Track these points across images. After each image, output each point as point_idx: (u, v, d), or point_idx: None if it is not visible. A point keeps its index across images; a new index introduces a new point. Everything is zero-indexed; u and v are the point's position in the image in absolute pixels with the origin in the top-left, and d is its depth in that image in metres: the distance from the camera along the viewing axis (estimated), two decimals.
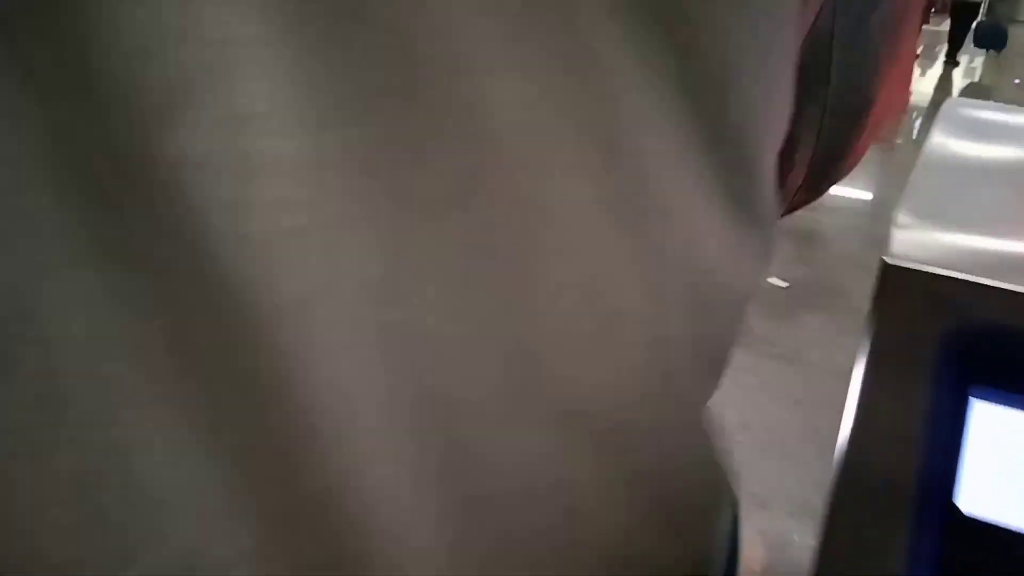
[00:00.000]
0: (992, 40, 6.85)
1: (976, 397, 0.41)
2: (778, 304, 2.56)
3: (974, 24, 7.19)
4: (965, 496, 0.37)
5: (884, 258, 0.48)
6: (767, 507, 1.68)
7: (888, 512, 0.38)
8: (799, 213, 0.52)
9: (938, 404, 0.41)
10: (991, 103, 0.70)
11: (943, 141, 0.60)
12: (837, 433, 0.42)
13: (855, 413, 0.41)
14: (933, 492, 0.38)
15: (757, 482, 1.73)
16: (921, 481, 0.38)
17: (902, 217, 0.50)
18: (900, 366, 0.43)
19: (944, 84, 6.86)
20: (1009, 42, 6.87)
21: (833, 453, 0.42)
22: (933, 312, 0.46)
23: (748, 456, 1.79)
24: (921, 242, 0.49)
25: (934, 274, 0.49)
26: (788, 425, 1.94)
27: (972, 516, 0.37)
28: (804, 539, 1.59)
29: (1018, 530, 0.37)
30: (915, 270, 0.48)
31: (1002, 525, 0.37)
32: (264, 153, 0.22)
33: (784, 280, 2.71)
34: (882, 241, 0.47)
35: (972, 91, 6.48)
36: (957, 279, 0.49)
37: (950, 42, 7.47)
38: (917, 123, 5.10)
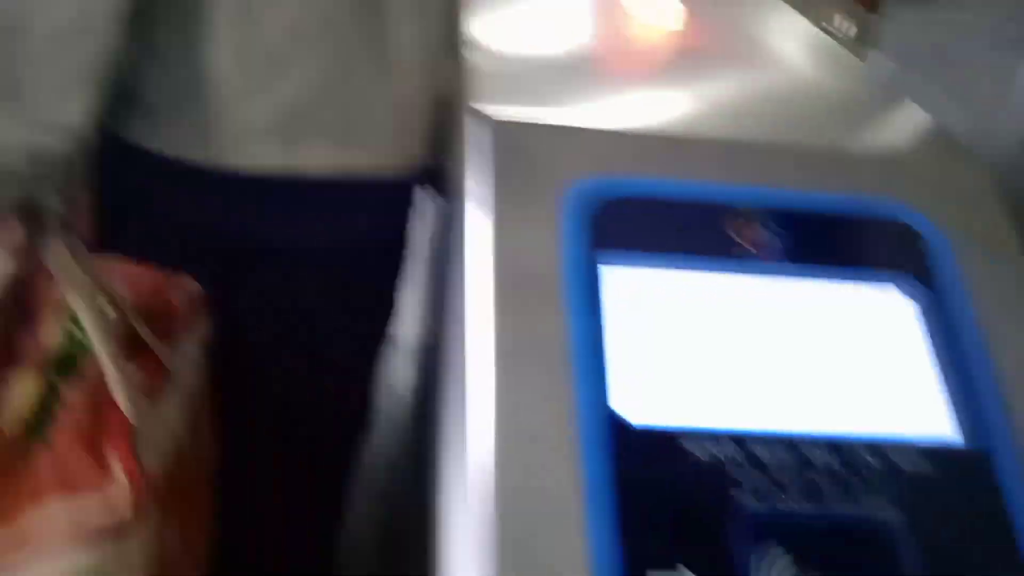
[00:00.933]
0: None
1: (605, 263, 0.44)
2: None
3: None
4: (617, 398, 0.40)
5: (493, 118, 0.47)
6: None
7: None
8: None
9: (571, 282, 0.43)
10: None
11: None
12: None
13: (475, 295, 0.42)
14: (588, 395, 0.39)
15: None
16: (576, 383, 0.40)
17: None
18: (514, 239, 0.44)
19: None
20: None
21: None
22: (541, 169, 0.46)
23: None
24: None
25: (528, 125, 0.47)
26: None
27: (630, 424, 0.39)
28: None
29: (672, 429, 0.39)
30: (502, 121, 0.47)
31: (659, 429, 0.40)
32: None
33: None
34: None
35: None
36: (560, 128, 0.47)
37: None
38: None
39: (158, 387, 0.50)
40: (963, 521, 0.39)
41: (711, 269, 0.46)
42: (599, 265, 0.44)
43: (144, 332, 0.50)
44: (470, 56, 0.58)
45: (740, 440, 0.40)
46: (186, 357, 0.53)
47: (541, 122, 0.50)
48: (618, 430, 0.39)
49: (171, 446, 0.50)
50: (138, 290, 0.52)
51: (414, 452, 0.65)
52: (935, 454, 0.40)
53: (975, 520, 0.39)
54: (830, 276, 0.46)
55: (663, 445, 0.39)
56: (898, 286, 0.46)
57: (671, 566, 0.36)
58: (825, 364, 0.43)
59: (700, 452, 0.39)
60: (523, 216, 0.46)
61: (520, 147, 0.49)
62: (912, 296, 0.46)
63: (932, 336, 0.44)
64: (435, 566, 0.38)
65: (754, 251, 0.46)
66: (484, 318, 0.42)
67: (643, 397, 0.41)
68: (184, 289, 0.54)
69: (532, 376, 0.41)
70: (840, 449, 0.40)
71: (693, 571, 0.36)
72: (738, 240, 0.47)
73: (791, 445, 0.40)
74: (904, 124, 0.59)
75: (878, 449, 0.40)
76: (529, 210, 0.46)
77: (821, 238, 0.47)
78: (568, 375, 0.41)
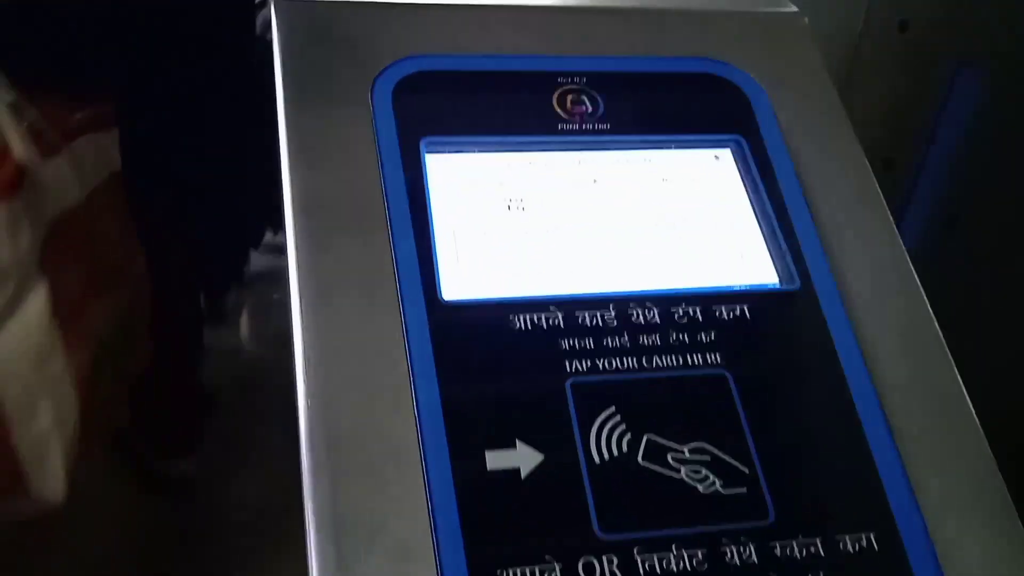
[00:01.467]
0: None
1: (427, 149, 0.43)
2: None
3: None
4: (444, 281, 0.39)
5: None
6: None
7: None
8: None
9: (389, 166, 0.41)
10: None
11: None
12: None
13: (291, 186, 0.41)
14: (412, 280, 0.39)
15: None
16: (398, 269, 0.39)
17: None
18: (329, 125, 0.42)
19: None
20: None
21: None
22: (352, 52, 0.44)
23: None
24: None
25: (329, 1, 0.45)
26: None
27: (452, 301, 0.39)
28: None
29: (493, 300, 0.39)
30: (309, 1, 0.44)
31: (480, 301, 0.39)
32: None
33: None
34: None
35: None
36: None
37: None
38: None
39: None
40: (791, 360, 0.40)
41: (537, 146, 0.45)
42: (421, 151, 0.42)
43: None
44: None
45: (561, 304, 0.39)
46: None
47: (349, 0, 0.47)
48: (439, 309, 0.38)
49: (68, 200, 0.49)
50: None
51: None
52: (758, 299, 0.41)
53: (802, 358, 0.40)
54: (655, 141, 0.46)
55: (485, 319, 0.38)
56: (721, 144, 0.46)
57: (509, 444, 0.36)
58: (649, 229, 0.43)
59: (522, 322, 0.38)
60: (338, 103, 0.43)
61: (328, 29, 0.45)
62: (733, 153, 0.46)
63: (754, 191, 0.44)
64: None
65: (579, 123, 0.45)
66: (306, 206, 0.40)
67: (469, 276, 0.40)
68: None
69: (357, 265, 0.39)
70: (663, 304, 0.40)
71: (529, 445, 0.36)
72: (563, 114, 0.45)
73: (613, 305, 0.39)
74: None
75: (701, 300, 0.40)
76: (342, 96, 0.43)
77: (644, 103, 0.46)
78: (391, 263, 0.39)
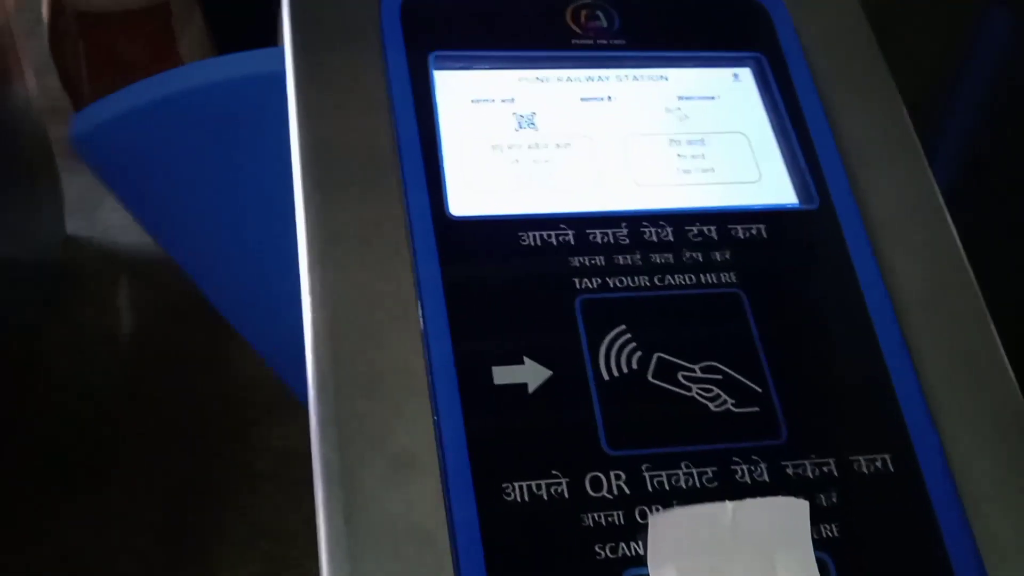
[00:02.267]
0: None
1: (437, 67, 0.41)
2: None
3: None
4: (452, 197, 0.38)
5: None
6: None
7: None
8: None
9: (397, 83, 0.40)
10: None
11: None
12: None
13: (297, 107, 0.40)
14: (419, 195, 0.38)
15: None
16: (405, 184, 0.38)
17: None
18: (337, 43, 0.41)
19: None
20: None
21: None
22: None
23: None
24: None
25: None
26: None
27: (461, 217, 0.38)
28: None
29: (502, 216, 0.38)
30: None
31: (489, 217, 0.38)
32: None
33: None
34: None
35: None
36: None
37: None
38: None
39: None
40: (808, 280, 0.39)
41: (549, 62, 0.43)
42: (430, 66, 0.41)
43: None
44: None
45: (571, 222, 0.38)
46: None
47: None
48: (447, 225, 0.37)
49: None
50: None
51: None
52: (775, 218, 0.40)
53: (819, 278, 0.39)
54: (672, 58, 0.44)
55: (494, 235, 0.37)
56: (740, 63, 0.44)
57: (517, 360, 0.35)
58: (664, 147, 0.42)
59: (532, 239, 0.37)
60: (345, 15, 0.42)
61: None
62: (753, 71, 0.44)
63: (773, 110, 0.43)
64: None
65: (594, 38, 0.44)
66: (313, 125, 0.39)
67: (477, 192, 0.39)
68: None
69: (364, 185, 0.38)
70: (677, 223, 0.39)
71: (537, 361, 0.35)
72: (577, 29, 0.44)
73: (625, 224, 0.38)
74: None
75: (716, 219, 0.39)
76: (350, 8, 0.42)
77: (661, 19, 0.45)
78: (400, 182, 0.38)
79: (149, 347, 1.39)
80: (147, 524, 1.08)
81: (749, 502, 0.33)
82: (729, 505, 0.33)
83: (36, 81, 1.31)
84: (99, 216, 1.55)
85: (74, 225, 1.49)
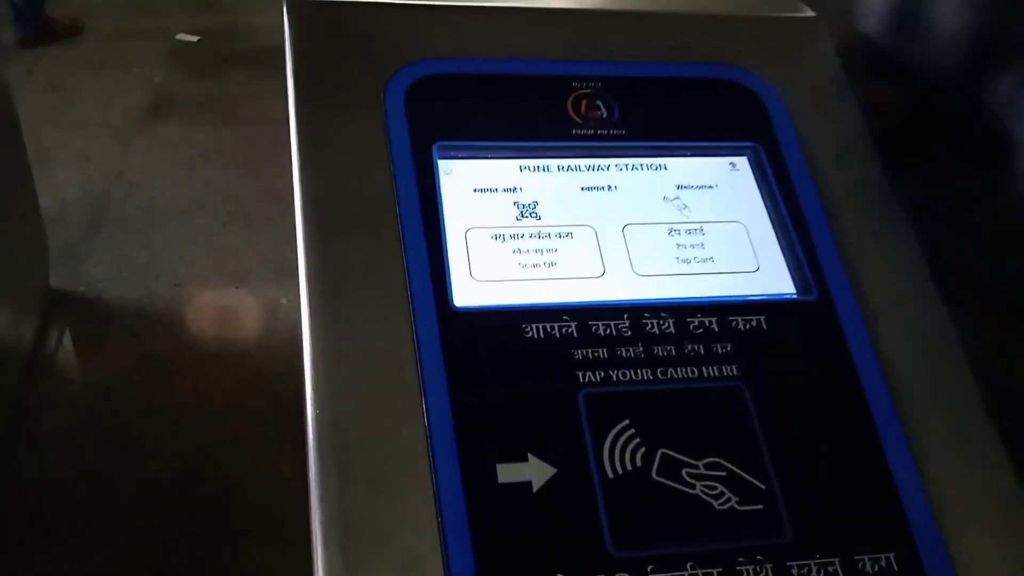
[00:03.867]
0: None
1: (440, 156, 0.42)
2: (193, 63, 2.25)
3: None
4: (456, 288, 0.38)
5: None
6: (247, 281, 1.56)
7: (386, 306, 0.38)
8: None
9: (402, 171, 0.41)
10: None
11: None
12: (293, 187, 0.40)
13: (302, 190, 0.40)
14: (423, 286, 0.38)
15: (228, 258, 1.61)
16: (409, 275, 0.38)
17: None
18: (341, 130, 0.42)
19: None
20: None
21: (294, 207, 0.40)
22: (365, 51, 0.43)
23: (211, 234, 1.65)
24: None
25: (349, 2, 0.44)
26: (243, 190, 1.78)
27: (464, 308, 0.38)
28: (291, 301, 1.55)
29: (502, 307, 0.38)
30: (322, 2, 0.43)
31: (491, 307, 0.38)
32: None
33: (193, 35, 2.36)
34: None
35: None
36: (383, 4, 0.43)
37: None
38: None
39: None
40: (809, 373, 0.39)
41: (551, 152, 0.44)
42: (434, 155, 0.42)
43: None
44: None
45: (574, 313, 0.38)
46: None
47: (362, 0, 0.46)
48: (451, 316, 0.37)
49: None
50: None
51: None
52: (775, 309, 0.40)
53: (820, 371, 0.39)
54: (670, 148, 0.45)
55: (497, 327, 0.37)
56: (737, 152, 0.45)
57: (521, 457, 0.35)
58: (664, 237, 0.42)
59: (535, 331, 0.37)
60: (350, 105, 0.42)
61: (341, 30, 0.45)
62: (750, 160, 0.45)
63: (771, 199, 0.44)
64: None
65: (594, 128, 0.44)
66: (317, 210, 0.39)
67: (481, 283, 0.39)
68: None
69: (368, 271, 0.38)
70: (678, 314, 0.39)
71: (541, 459, 0.35)
72: (578, 119, 0.44)
73: (627, 315, 0.39)
74: None
75: (717, 310, 0.39)
76: (355, 99, 0.43)
77: (660, 109, 0.46)
78: (402, 269, 0.38)
79: (135, 399, 1.37)
80: None
81: None
82: None
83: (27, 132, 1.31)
84: (84, 269, 1.53)
85: (59, 278, 1.47)
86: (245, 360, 1.43)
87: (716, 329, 0.39)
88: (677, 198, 0.43)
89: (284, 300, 1.53)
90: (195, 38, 2.40)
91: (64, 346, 1.43)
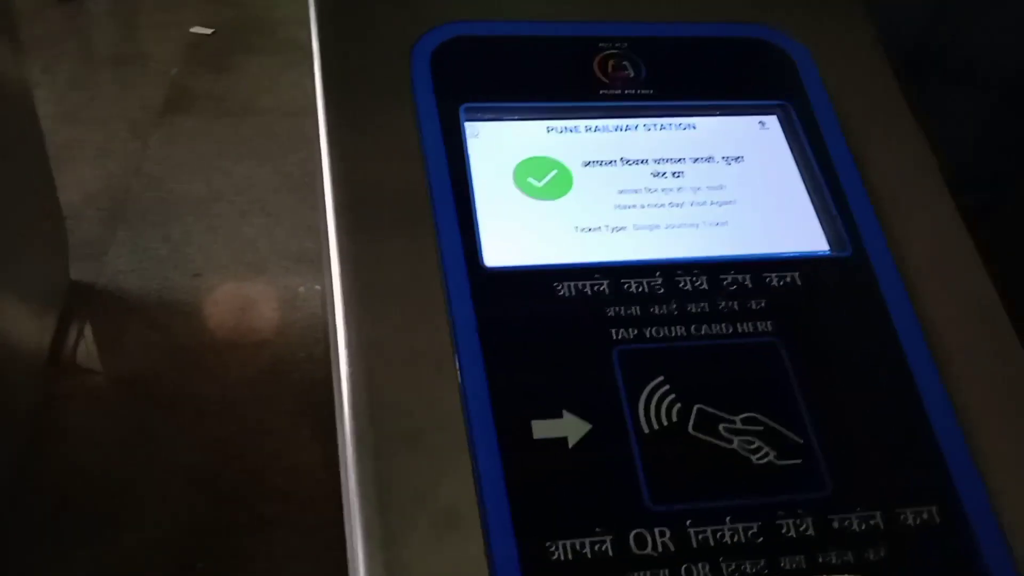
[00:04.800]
0: None
1: (467, 117, 0.41)
2: (209, 54, 2.21)
3: None
4: (486, 248, 0.38)
5: None
6: (265, 271, 1.55)
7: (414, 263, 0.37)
8: None
9: (429, 134, 0.40)
10: None
11: None
12: (314, 177, 0.40)
13: (330, 155, 0.40)
14: (454, 247, 0.38)
15: (247, 248, 1.59)
16: (440, 236, 0.38)
17: None
18: (368, 94, 0.41)
19: None
20: None
21: (315, 197, 0.39)
22: (391, 15, 0.43)
23: (230, 225, 1.64)
24: None
25: None
26: (261, 181, 1.76)
27: (495, 268, 0.38)
28: (309, 289, 1.50)
29: (534, 266, 0.38)
30: None
31: (521, 267, 0.38)
32: None
33: (208, 27, 2.31)
34: None
35: None
36: None
37: None
38: None
39: None
40: (844, 327, 0.38)
41: (578, 112, 0.43)
42: (461, 118, 0.41)
43: None
44: None
45: (606, 271, 0.38)
46: None
47: None
48: (482, 277, 0.37)
49: None
50: None
51: None
52: (809, 265, 0.39)
53: (855, 325, 0.38)
54: (699, 107, 0.44)
55: (528, 286, 0.37)
56: (767, 111, 0.44)
57: (556, 413, 0.35)
58: (695, 195, 0.42)
59: (567, 289, 0.37)
60: (376, 69, 0.42)
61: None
62: (780, 119, 0.44)
63: (802, 156, 0.43)
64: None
65: (622, 88, 0.44)
66: (346, 175, 0.39)
67: (511, 243, 0.39)
68: None
69: (398, 235, 0.38)
70: (711, 271, 0.38)
71: (576, 415, 0.35)
72: (604, 79, 0.44)
73: (660, 272, 0.38)
74: None
75: (750, 267, 0.39)
76: (380, 62, 0.42)
77: (687, 69, 0.45)
78: (434, 234, 0.38)
79: (158, 390, 1.38)
80: (159, 570, 1.06)
81: None
82: None
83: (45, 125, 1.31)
84: (105, 262, 1.54)
85: (79, 272, 1.49)
86: (263, 349, 1.44)
87: (749, 285, 0.38)
88: (708, 157, 0.43)
89: (302, 288, 1.54)
90: (209, 31, 2.40)
91: (86, 338, 1.44)
